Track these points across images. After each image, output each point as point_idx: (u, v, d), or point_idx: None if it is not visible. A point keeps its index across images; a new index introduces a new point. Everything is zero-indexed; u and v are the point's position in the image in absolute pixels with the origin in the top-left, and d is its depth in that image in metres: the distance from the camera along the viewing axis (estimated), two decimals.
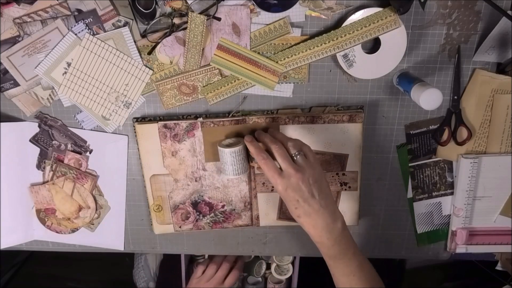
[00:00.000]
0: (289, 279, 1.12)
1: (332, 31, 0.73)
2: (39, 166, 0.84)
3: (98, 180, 0.85)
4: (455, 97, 0.78)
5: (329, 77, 0.79)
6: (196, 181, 0.84)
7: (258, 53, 0.76)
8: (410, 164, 0.84)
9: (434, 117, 0.81)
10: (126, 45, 0.75)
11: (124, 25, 0.74)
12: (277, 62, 0.76)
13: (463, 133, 0.80)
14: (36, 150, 0.83)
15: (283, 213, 0.87)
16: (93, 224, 0.88)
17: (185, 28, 0.72)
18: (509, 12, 0.70)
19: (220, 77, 0.78)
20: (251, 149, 0.72)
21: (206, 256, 1.06)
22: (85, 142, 0.83)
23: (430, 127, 0.82)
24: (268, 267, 1.13)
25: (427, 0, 0.70)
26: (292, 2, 0.72)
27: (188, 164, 0.82)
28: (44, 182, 0.85)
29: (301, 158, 0.68)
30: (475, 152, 0.82)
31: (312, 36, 0.75)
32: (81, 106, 0.79)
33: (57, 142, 0.83)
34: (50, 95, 0.79)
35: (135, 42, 0.75)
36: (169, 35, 0.73)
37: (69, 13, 0.73)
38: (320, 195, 0.67)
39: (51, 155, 0.83)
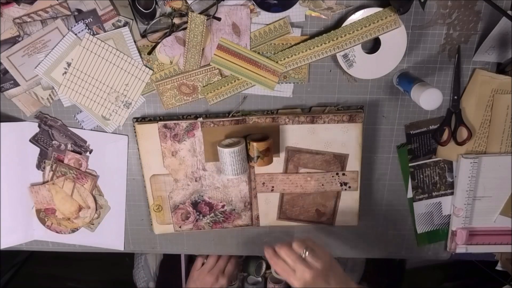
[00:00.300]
0: None
1: (332, 31, 0.73)
2: (39, 166, 0.84)
3: (98, 180, 0.85)
4: (455, 97, 0.78)
5: (329, 77, 0.79)
6: (196, 181, 0.84)
7: (258, 53, 0.76)
8: (410, 164, 0.84)
9: (434, 117, 0.81)
10: (126, 45, 0.75)
11: (124, 25, 0.74)
12: (277, 62, 0.76)
13: (463, 133, 0.80)
14: (36, 150, 0.83)
15: (283, 213, 0.87)
16: (93, 224, 0.88)
17: (185, 28, 0.72)
18: (509, 12, 0.70)
19: (220, 77, 0.78)
20: (275, 267, 0.75)
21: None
22: (85, 142, 0.83)
23: (430, 127, 0.82)
24: (268, 267, 1.12)
25: (427, 0, 0.70)
26: (292, 2, 0.72)
27: (188, 164, 0.82)
28: (44, 182, 0.85)
29: (310, 254, 0.72)
30: (475, 152, 0.82)
31: (312, 36, 0.75)
32: (81, 106, 0.79)
33: (57, 142, 0.83)
34: (50, 95, 0.79)
35: (135, 42, 0.75)
36: (169, 35, 0.73)
37: (69, 13, 0.73)
38: (336, 280, 0.71)
39: (51, 155, 0.83)
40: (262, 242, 0.91)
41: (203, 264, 0.98)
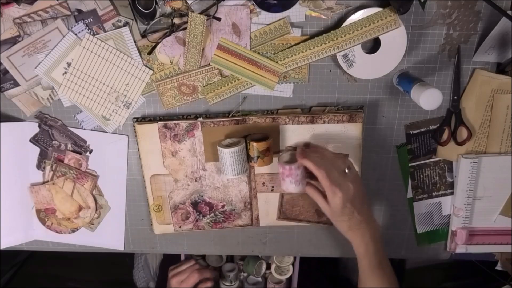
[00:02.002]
0: (289, 279, 1.12)
1: (332, 31, 0.73)
2: (39, 166, 0.84)
3: (98, 180, 0.85)
4: (455, 97, 0.78)
5: (329, 77, 0.79)
6: (196, 181, 0.84)
7: (258, 53, 0.76)
8: (410, 164, 0.84)
9: (434, 117, 0.81)
10: (126, 45, 0.75)
11: (124, 25, 0.74)
12: (277, 62, 0.76)
13: (463, 133, 0.80)
14: (36, 150, 0.83)
15: (283, 213, 0.87)
16: (93, 224, 0.88)
17: (185, 28, 0.72)
18: (509, 12, 0.70)
19: (220, 77, 0.78)
20: (308, 164, 0.72)
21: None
22: (85, 142, 0.83)
23: (430, 127, 0.82)
24: (268, 267, 1.13)
25: (427, 0, 0.70)
26: (292, 2, 0.72)
27: (188, 164, 0.82)
28: (44, 182, 0.85)
29: (352, 172, 0.73)
30: (475, 152, 0.82)
31: (312, 36, 0.75)
32: (81, 106, 0.79)
33: (57, 142, 0.83)
34: (50, 95, 0.79)
35: (135, 42, 0.75)
36: (169, 35, 0.73)
37: (69, 13, 0.73)
38: (367, 205, 0.74)
39: (51, 155, 0.83)
40: (262, 242, 0.91)
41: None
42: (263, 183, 0.84)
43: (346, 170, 0.72)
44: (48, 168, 0.84)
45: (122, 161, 0.84)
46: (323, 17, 0.74)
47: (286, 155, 0.77)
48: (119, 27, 0.74)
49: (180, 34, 0.74)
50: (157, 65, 0.77)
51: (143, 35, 0.74)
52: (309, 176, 0.74)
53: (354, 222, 0.71)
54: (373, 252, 0.72)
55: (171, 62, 0.77)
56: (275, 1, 0.72)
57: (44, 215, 0.87)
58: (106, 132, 0.82)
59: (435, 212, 0.88)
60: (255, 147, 0.76)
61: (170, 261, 1.11)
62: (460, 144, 0.80)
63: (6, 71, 0.76)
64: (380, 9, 0.71)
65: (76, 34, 0.74)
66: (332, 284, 1.25)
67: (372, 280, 0.73)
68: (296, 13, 0.74)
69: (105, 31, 0.74)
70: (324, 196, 0.72)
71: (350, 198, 0.70)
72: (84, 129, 0.82)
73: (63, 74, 0.77)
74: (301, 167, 0.73)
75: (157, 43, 0.74)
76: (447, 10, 0.73)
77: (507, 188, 0.84)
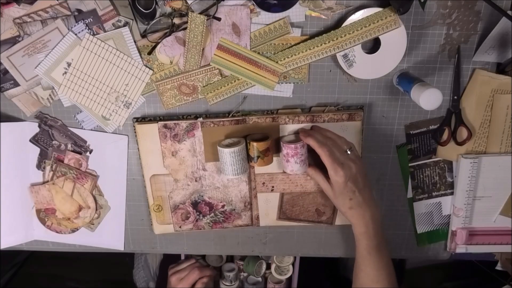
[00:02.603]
0: (289, 279, 1.12)
1: (332, 31, 0.73)
2: (39, 166, 0.84)
3: (98, 180, 0.85)
4: (455, 97, 0.78)
5: (329, 77, 0.79)
6: (196, 181, 0.84)
7: (258, 53, 0.76)
8: (410, 164, 0.84)
9: (434, 117, 0.81)
10: (126, 45, 0.75)
11: (124, 25, 0.74)
12: (277, 62, 0.76)
13: (463, 133, 0.80)
14: (36, 150, 0.83)
15: (283, 213, 0.87)
16: (93, 224, 0.88)
17: (185, 28, 0.72)
18: (509, 12, 0.70)
19: (220, 77, 0.78)
20: (311, 142, 0.73)
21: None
22: (85, 142, 0.83)
23: (430, 127, 0.82)
24: (268, 267, 1.13)
25: (427, 0, 0.70)
26: (292, 2, 0.72)
27: (188, 164, 0.82)
28: (44, 182, 0.85)
29: (354, 153, 0.74)
30: (475, 152, 0.82)
31: (312, 36, 0.75)
32: (81, 106, 0.79)
33: (57, 142, 0.83)
34: (50, 95, 0.79)
35: (135, 42, 0.75)
36: (169, 35, 0.73)
37: (69, 13, 0.73)
38: (368, 186, 0.74)
39: (51, 155, 0.83)
40: (262, 242, 0.91)
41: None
42: (263, 183, 0.84)
43: (348, 152, 0.73)
44: (48, 168, 0.84)
45: (122, 161, 0.84)
46: (323, 17, 0.74)
47: (288, 136, 0.79)
48: (119, 27, 0.74)
49: (180, 34, 0.74)
50: (157, 65, 0.77)
51: (143, 35, 0.74)
52: (310, 158, 0.75)
53: (355, 202, 0.72)
54: (372, 233, 0.73)
55: (171, 62, 0.77)
56: (275, 1, 0.72)
57: (44, 215, 0.87)
58: (106, 132, 0.82)
59: (435, 212, 0.88)
60: (255, 147, 0.76)
61: (170, 261, 1.11)
62: (460, 144, 0.80)
63: (6, 71, 0.76)
64: (380, 9, 0.71)
65: (76, 34, 0.74)
66: (332, 284, 1.25)
67: (369, 262, 0.74)
68: (296, 13, 0.74)
69: (105, 31, 0.74)
70: (326, 177, 0.73)
71: (352, 177, 0.71)
72: (84, 129, 0.82)
73: (63, 74, 0.77)
74: (305, 146, 0.75)
75: (157, 43, 0.74)
76: (447, 10, 0.73)
77: (507, 188, 0.84)
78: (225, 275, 1.12)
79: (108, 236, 0.89)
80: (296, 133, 0.79)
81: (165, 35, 0.73)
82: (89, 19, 0.73)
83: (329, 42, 0.74)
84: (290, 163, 0.75)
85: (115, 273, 1.40)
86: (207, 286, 0.95)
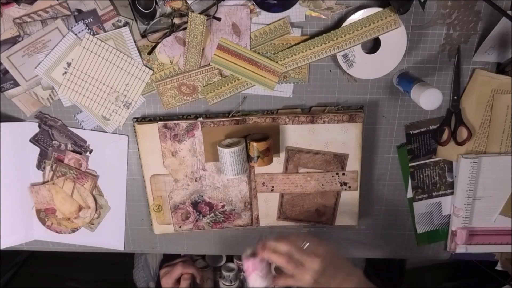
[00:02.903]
0: None
1: (332, 31, 0.73)
2: (39, 166, 0.84)
3: (98, 180, 0.85)
4: (455, 97, 0.78)
5: (329, 77, 0.79)
6: (196, 181, 0.84)
7: (258, 53, 0.76)
8: (410, 164, 0.84)
9: (434, 117, 0.81)
10: (126, 45, 0.75)
11: (124, 25, 0.74)
12: (277, 62, 0.76)
13: (463, 133, 0.80)
14: (36, 150, 0.83)
15: (283, 213, 0.87)
16: (93, 224, 0.88)
17: (185, 28, 0.72)
18: (509, 12, 0.70)
19: (220, 77, 0.78)
20: (269, 256, 0.71)
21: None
22: (85, 142, 0.83)
23: (430, 127, 0.82)
24: None
25: (427, 0, 0.70)
26: (292, 2, 0.72)
27: (188, 164, 0.82)
28: (44, 182, 0.85)
29: (310, 244, 0.71)
30: (475, 152, 0.82)
31: (312, 36, 0.75)
32: (81, 106, 0.79)
33: (57, 142, 0.83)
34: (50, 95, 0.79)
35: (135, 42, 0.75)
36: (169, 35, 0.73)
37: (69, 13, 0.73)
38: (342, 260, 0.71)
39: (51, 155, 0.83)
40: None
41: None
42: (263, 183, 0.84)
43: (304, 245, 0.70)
44: (48, 168, 0.84)
45: (122, 161, 0.84)
46: (323, 17, 0.74)
47: (249, 250, 0.77)
48: (119, 27, 0.74)
49: (180, 34, 0.74)
50: (157, 65, 0.77)
51: (143, 35, 0.74)
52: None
53: (335, 284, 0.70)
54: None
55: (171, 62, 0.77)
56: (275, 1, 0.72)
57: (44, 215, 0.87)
58: (106, 132, 0.82)
59: (435, 212, 0.88)
60: (255, 147, 0.76)
61: (170, 261, 1.11)
62: (460, 144, 0.80)
63: (6, 71, 0.76)
64: (380, 9, 0.71)
65: (76, 34, 0.74)
66: None
67: None
68: (296, 13, 0.74)
69: (105, 31, 0.74)
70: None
71: (319, 272, 0.68)
72: (84, 129, 0.82)
73: (63, 74, 0.77)
74: (264, 261, 0.73)
75: (157, 43, 0.74)
76: (447, 10, 0.73)
77: (507, 188, 0.84)
78: (225, 275, 1.12)
79: (108, 236, 0.89)
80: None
81: (165, 35, 0.73)
82: (89, 19, 0.73)
83: (329, 42, 0.74)
84: (252, 277, 0.74)
85: (115, 273, 1.40)
86: (190, 282, 0.94)
